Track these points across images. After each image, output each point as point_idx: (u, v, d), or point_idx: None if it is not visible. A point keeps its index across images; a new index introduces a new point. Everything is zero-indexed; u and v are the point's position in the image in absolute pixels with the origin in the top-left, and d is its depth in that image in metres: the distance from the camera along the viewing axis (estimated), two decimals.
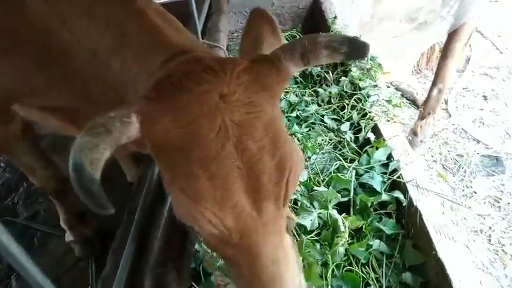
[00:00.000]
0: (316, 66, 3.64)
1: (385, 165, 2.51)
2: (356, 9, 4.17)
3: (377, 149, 2.56)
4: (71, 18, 1.34)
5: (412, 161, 2.38)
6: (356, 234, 2.23)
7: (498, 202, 3.30)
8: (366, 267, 2.10)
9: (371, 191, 2.37)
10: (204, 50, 1.24)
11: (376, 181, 2.36)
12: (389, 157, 2.53)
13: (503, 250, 2.95)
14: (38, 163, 2.14)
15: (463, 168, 3.55)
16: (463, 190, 3.39)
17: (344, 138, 2.83)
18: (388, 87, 3.39)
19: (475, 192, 3.40)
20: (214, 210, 0.93)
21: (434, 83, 2.96)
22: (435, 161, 3.60)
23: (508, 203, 3.30)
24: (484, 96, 4.44)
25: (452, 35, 2.76)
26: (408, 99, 4.19)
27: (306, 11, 4.85)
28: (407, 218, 2.20)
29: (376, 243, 2.14)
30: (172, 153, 0.93)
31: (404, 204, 2.22)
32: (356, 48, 0.99)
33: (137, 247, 1.65)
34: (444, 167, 3.57)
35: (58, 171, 2.26)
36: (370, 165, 2.49)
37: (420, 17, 3.16)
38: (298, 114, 3.19)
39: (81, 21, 1.32)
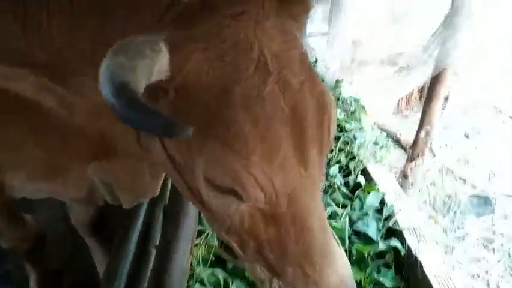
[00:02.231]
0: None
1: (378, 210, 2.41)
2: (337, 53, 4.25)
3: (368, 193, 2.47)
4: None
5: (407, 206, 2.29)
6: None
7: (491, 243, 3.23)
8: None
9: (366, 239, 2.25)
10: None
11: (371, 229, 2.25)
12: (382, 201, 2.44)
13: None
14: (7, 225, 1.95)
15: (452, 209, 3.49)
16: (455, 232, 3.32)
17: (333, 183, 2.74)
18: (373, 128, 3.38)
19: (467, 234, 3.32)
20: (263, 165, 0.76)
21: (421, 125, 2.96)
22: (425, 203, 3.54)
23: (502, 244, 3.23)
24: (466, 135, 4.50)
25: (435, 78, 2.80)
26: (392, 140, 4.19)
27: None
28: (407, 268, 2.07)
29: None
30: (204, 94, 0.76)
31: (402, 254, 2.10)
32: None
33: None
34: (434, 208, 3.51)
35: (29, 229, 2.06)
36: (364, 211, 2.39)
37: (402, 62, 3.22)
38: None
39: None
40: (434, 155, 4.12)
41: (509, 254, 3.17)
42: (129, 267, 1.79)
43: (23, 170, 1.50)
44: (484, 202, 3.51)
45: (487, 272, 3.01)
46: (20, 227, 2.02)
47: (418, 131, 2.98)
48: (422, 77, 3.01)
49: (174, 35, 0.76)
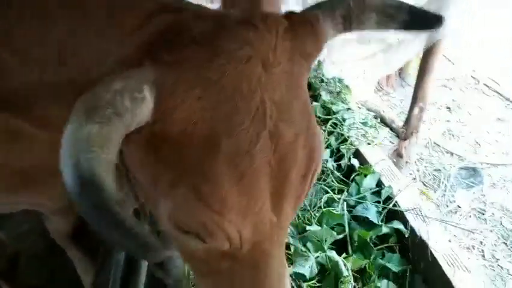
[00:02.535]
0: None
1: (376, 192, 2.34)
2: None
3: (364, 176, 2.39)
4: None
5: (405, 185, 2.22)
6: (359, 275, 2.00)
7: (483, 214, 3.24)
8: None
9: (367, 224, 2.17)
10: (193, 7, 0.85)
11: (371, 212, 2.17)
12: (379, 183, 2.37)
13: (499, 265, 2.85)
14: None
15: (442, 183, 3.48)
16: (447, 206, 3.31)
17: (326, 167, 2.64)
18: (360, 108, 3.30)
19: (459, 207, 3.32)
20: (235, 220, 0.69)
21: (414, 102, 2.89)
22: (415, 179, 3.51)
23: (493, 214, 3.25)
24: (448, 108, 4.50)
25: (428, 52, 2.71)
26: (376, 118, 4.14)
27: None
28: (413, 250, 2.01)
29: (384, 284, 1.92)
30: (191, 146, 0.65)
31: (406, 236, 2.04)
32: (421, 18, 0.80)
33: None
34: (424, 184, 3.49)
35: (3, 249, 1.89)
36: (361, 195, 2.31)
37: (390, 38, 3.12)
38: None
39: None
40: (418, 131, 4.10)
41: (500, 222, 3.19)
42: (121, 275, 1.65)
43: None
44: (472, 173, 3.51)
45: (481, 242, 3.02)
46: None
47: (411, 108, 2.91)
48: (413, 51, 2.93)
49: (164, 76, 0.63)
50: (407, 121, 3.04)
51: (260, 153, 0.68)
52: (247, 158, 0.67)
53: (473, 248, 2.99)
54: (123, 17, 0.78)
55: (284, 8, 2.55)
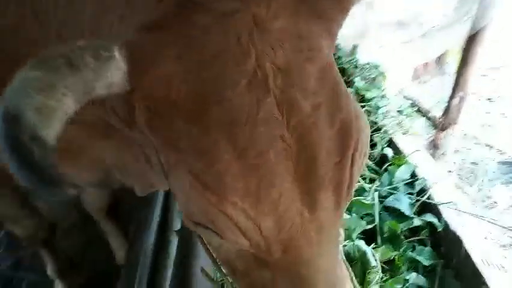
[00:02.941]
0: None
1: (409, 183, 2.27)
2: (350, 17, 3.99)
3: (398, 166, 2.32)
4: None
5: (441, 178, 2.15)
6: (388, 266, 1.97)
7: None
8: None
9: (399, 216, 2.12)
10: None
11: (403, 204, 2.11)
12: (413, 175, 2.30)
13: None
14: (21, 212, 1.86)
15: (479, 177, 3.34)
16: (483, 201, 3.18)
17: None
18: (396, 96, 3.19)
19: (496, 203, 3.19)
20: (245, 207, 0.59)
21: (454, 91, 2.76)
22: (450, 171, 3.39)
23: None
24: (489, 99, 4.29)
25: (472, 39, 2.57)
26: (412, 107, 4.01)
27: None
28: (445, 245, 1.95)
29: (413, 277, 1.88)
30: (178, 117, 0.58)
31: (439, 230, 1.97)
32: None
33: None
34: (460, 177, 3.36)
35: (44, 219, 1.98)
36: (394, 186, 2.25)
37: (429, 22, 2.97)
38: None
39: None
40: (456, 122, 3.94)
41: None
42: (151, 257, 1.70)
43: None
44: None
45: None
46: (34, 214, 1.95)
47: (451, 98, 2.78)
48: (454, 38, 2.78)
49: (139, 38, 0.58)
50: (446, 111, 2.92)
51: (265, 125, 0.58)
52: (249, 128, 0.57)
53: (510, 246, 2.88)
54: None
55: None
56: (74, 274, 2.37)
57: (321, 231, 0.64)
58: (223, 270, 0.80)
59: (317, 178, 0.62)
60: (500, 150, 3.60)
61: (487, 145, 3.67)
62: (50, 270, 2.35)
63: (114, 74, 0.54)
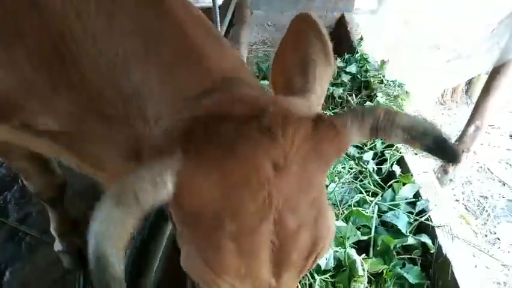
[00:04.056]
0: (339, 88, 3.45)
1: (411, 203, 2.29)
2: (384, 33, 3.99)
3: (403, 184, 2.34)
4: (88, 12, 1.11)
5: (442, 203, 2.15)
6: (375, 279, 1.99)
7: None
8: None
9: (395, 232, 2.14)
10: (246, 76, 1.06)
11: (401, 221, 2.13)
12: (416, 195, 2.31)
13: None
14: (35, 169, 1.95)
15: (486, 211, 3.30)
16: (486, 236, 3.14)
17: (366, 169, 2.62)
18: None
19: (499, 239, 3.15)
20: (234, 283, 0.83)
21: (471, 119, 2.74)
22: (458, 201, 3.36)
23: None
24: (511, 136, 4.21)
25: (498, 69, 2.55)
26: None
27: (330, 29, 4.70)
28: (435, 267, 1.96)
29: None
30: (201, 219, 0.80)
31: (431, 251, 1.98)
32: (442, 149, 0.86)
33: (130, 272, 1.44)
34: (466, 208, 3.33)
35: (56, 178, 2.07)
36: (395, 202, 2.27)
37: (460, 48, 2.95)
38: None
39: (99, 18, 1.11)
40: (475, 153, 3.88)
41: None
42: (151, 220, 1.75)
43: (53, 117, 1.43)
44: None
45: None
46: (49, 173, 2.03)
47: (467, 125, 2.76)
48: (482, 67, 2.75)
49: (187, 167, 0.77)
50: (460, 138, 2.89)
51: (262, 235, 0.80)
52: (250, 237, 0.79)
53: (505, 285, 2.84)
54: (192, 80, 0.97)
55: None
56: (74, 236, 2.45)
57: None
58: None
59: (287, 267, 0.86)
60: None
61: (500, 181, 3.61)
62: (52, 228, 2.43)
63: (164, 195, 0.74)
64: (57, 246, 2.43)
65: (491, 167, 3.77)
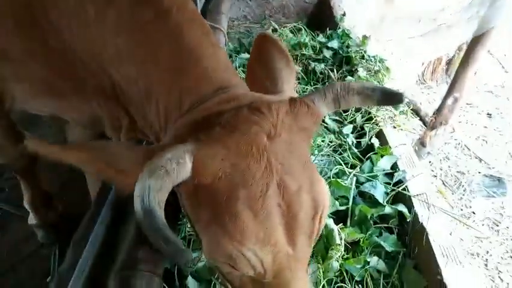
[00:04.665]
0: (320, 63, 3.42)
1: (389, 175, 2.30)
2: (366, 8, 3.95)
3: (381, 156, 2.35)
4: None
5: (419, 173, 2.17)
6: (352, 248, 2.01)
7: (497, 225, 3.14)
8: (361, 285, 1.88)
9: (372, 202, 2.15)
10: (235, 78, 1.26)
11: (378, 191, 2.14)
12: (394, 167, 2.32)
13: (499, 277, 2.78)
14: (7, 140, 1.88)
15: (463, 186, 3.37)
16: (461, 209, 3.22)
17: (345, 142, 2.61)
18: None
19: (474, 213, 3.23)
20: (255, 249, 0.92)
21: (449, 91, 2.75)
22: (435, 176, 3.41)
23: (507, 227, 3.14)
24: (489, 114, 4.29)
25: (476, 40, 2.55)
26: (411, 109, 4.00)
27: (312, 5, 4.63)
28: (411, 235, 1.99)
29: (374, 260, 1.92)
30: (216, 192, 0.93)
31: (408, 220, 2.01)
32: (389, 96, 1.08)
33: (103, 243, 1.41)
34: (444, 183, 3.39)
35: (25, 148, 1.99)
36: (373, 174, 2.28)
37: (441, 18, 2.93)
38: None
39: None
40: (454, 130, 3.94)
41: None
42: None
43: (26, 84, 1.53)
44: (496, 183, 3.37)
45: (487, 252, 2.94)
46: (18, 143, 1.96)
47: (445, 97, 2.77)
48: (462, 37, 2.75)
49: (198, 148, 0.93)
50: (438, 110, 2.91)
51: (270, 198, 0.92)
52: (261, 201, 0.91)
53: (478, 256, 2.92)
54: (194, 88, 1.16)
55: None
56: (47, 209, 2.39)
57: (298, 262, 0.98)
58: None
59: (298, 229, 0.96)
60: (489, 165, 3.62)
61: (477, 157, 3.68)
62: (25, 202, 2.37)
63: (185, 172, 0.90)
64: (31, 219, 2.39)
65: (469, 144, 3.83)
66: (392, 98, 1.08)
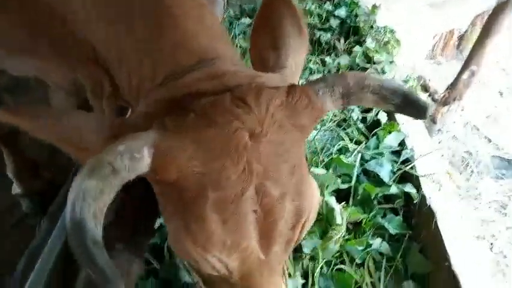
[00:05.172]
0: (326, 33, 3.22)
1: (395, 153, 2.15)
2: None
3: (389, 132, 2.19)
4: None
5: (428, 152, 2.02)
6: (354, 228, 1.88)
7: (504, 208, 3.01)
8: (361, 268, 1.77)
9: (377, 181, 2.01)
10: (226, 53, 1.02)
11: (384, 170, 2.00)
12: (401, 144, 2.17)
13: (505, 262, 2.67)
14: None
15: (470, 167, 3.23)
16: (468, 191, 3.09)
17: (350, 117, 2.45)
18: (404, 65, 3.01)
19: (481, 195, 3.10)
20: (221, 257, 0.82)
21: (466, 64, 2.55)
22: (442, 156, 3.27)
23: None
24: (500, 93, 4.10)
25: (498, 9, 2.33)
26: (420, 85, 3.82)
27: None
28: (417, 217, 1.86)
29: (377, 243, 1.80)
30: (183, 191, 0.80)
31: (414, 201, 1.87)
32: (411, 106, 0.88)
33: None
34: (451, 163, 3.24)
35: None
36: (379, 151, 2.13)
37: None
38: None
39: None
40: (463, 109, 3.77)
41: None
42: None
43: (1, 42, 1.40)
44: (506, 165, 3.23)
45: (493, 235, 2.83)
46: None
47: (461, 71, 2.57)
48: (480, 5, 2.54)
49: (162, 139, 0.77)
50: (453, 84, 2.73)
51: (245, 203, 0.80)
52: (233, 205, 0.79)
53: (483, 239, 2.81)
54: (171, 56, 0.96)
55: None
56: (34, 178, 2.28)
57: (270, 268, 0.87)
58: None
59: (274, 237, 0.85)
60: (497, 146, 3.47)
61: (486, 138, 3.53)
62: (9, 171, 2.25)
63: (142, 168, 0.75)
64: (15, 189, 2.29)
65: (478, 124, 3.67)
66: (414, 109, 0.87)
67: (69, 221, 0.65)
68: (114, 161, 0.70)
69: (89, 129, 0.81)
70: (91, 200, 0.66)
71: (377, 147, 2.18)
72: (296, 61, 1.02)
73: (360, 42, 3.02)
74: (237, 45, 3.09)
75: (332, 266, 1.76)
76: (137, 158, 0.73)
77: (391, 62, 2.77)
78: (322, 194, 1.91)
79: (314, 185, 0.92)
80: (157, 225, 1.73)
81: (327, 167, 2.08)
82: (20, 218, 2.30)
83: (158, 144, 0.76)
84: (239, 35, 3.18)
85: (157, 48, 0.98)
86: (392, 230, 1.82)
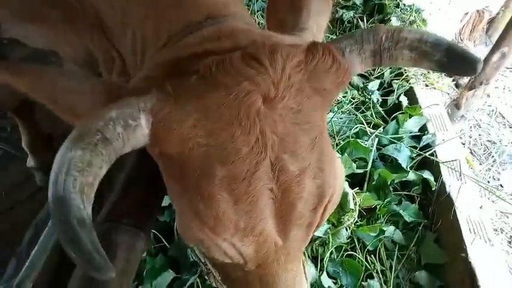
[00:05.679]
0: (349, 11, 3.09)
1: (415, 138, 2.07)
2: None
3: (410, 117, 2.10)
4: None
5: (451, 138, 1.93)
6: (367, 214, 1.83)
7: None
8: (373, 256, 1.72)
9: (394, 167, 1.94)
10: (238, 10, 0.92)
11: (403, 155, 1.92)
12: (422, 129, 2.08)
13: None
14: None
15: (492, 156, 3.10)
16: (488, 182, 2.97)
17: (369, 99, 2.36)
18: None
19: (501, 186, 2.98)
20: (233, 241, 0.74)
21: (497, 45, 2.39)
22: (463, 144, 3.14)
23: None
24: None
25: None
26: None
27: None
28: (435, 206, 1.78)
29: (390, 230, 1.74)
30: (188, 166, 0.71)
31: (433, 189, 1.80)
32: (457, 60, 0.73)
33: None
34: (472, 152, 3.12)
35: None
36: (398, 136, 2.04)
37: None
38: None
39: None
40: (489, 96, 3.61)
41: None
42: None
43: (7, 8, 1.37)
44: None
45: None
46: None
47: (491, 52, 2.42)
48: None
49: (163, 104, 0.68)
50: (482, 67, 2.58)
51: (259, 181, 0.70)
52: (245, 183, 0.70)
53: (502, 232, 2.71)
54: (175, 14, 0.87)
55: None
56: (46, 152, 2.29)
57: (288, 254, 0.79)
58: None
59: (293, 220, 0.75)
60: None
61: (511, 126, 3.37)
62: (24, 143, 2.28)
63: (139, 138, 0.67)
64: (30, 162, 2.32)
65: (503, 112, 3.51)
66: (461, 63, 0.73)
67: (50, 196, 0.56)
68: (105, 128, 0.61)
69: (83, 92, 0.73)
70: (76, 173, 0.57)
71: (397, 131, 2.09)
72: (318, 23, 0.90)
73: (385, 21, 2.89)
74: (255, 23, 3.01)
75: (342, 252, 1.72)
76: (133, 126, 0.64)
77: None
78: None
79: (338, 161, 0.82)
80: (166, 203, 1.72)
81: (342, 150, 2.02)
82: (32, 192, 2.34)
83: (156, 110, 0.67)
84: (258, 11, 3.08)
85: (159, 5, 0.90)
86: (408, 218, 1.76)
